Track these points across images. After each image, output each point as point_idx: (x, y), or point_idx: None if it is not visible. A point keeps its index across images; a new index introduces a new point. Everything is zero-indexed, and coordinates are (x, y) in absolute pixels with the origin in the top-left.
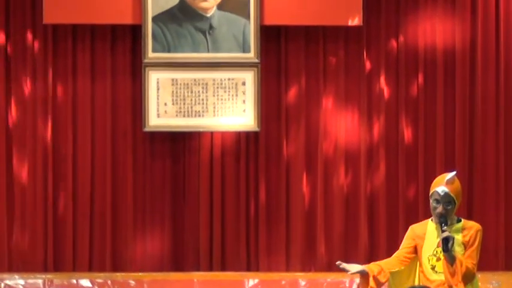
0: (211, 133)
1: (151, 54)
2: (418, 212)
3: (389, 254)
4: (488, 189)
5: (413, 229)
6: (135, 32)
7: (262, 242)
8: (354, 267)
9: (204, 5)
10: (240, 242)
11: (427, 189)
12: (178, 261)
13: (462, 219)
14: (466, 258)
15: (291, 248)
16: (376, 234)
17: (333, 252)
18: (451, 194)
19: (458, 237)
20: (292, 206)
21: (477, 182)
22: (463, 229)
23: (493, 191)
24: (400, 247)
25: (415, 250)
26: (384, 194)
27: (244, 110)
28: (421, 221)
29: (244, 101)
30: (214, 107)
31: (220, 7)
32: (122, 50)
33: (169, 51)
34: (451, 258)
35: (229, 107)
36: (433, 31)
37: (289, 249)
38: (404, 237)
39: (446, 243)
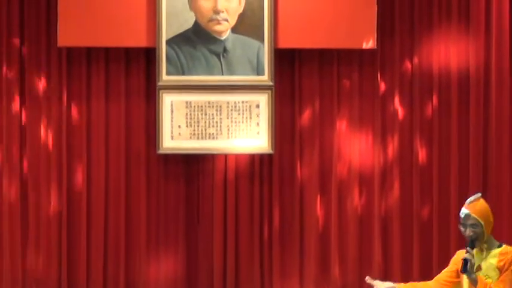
0: (225, 156)
1: (165, 77)
2: (432, 232)
3: (403, 275)
4: (502, 210)
5: (458, 253)
6: (149, 54)
7: (276, 264)
8: (383, 285)
9: (218, 28)
10: (253, 264)
11: (441, 210)
12: (191, 283)
13: (504, 245)
14: (497, 283)
15: (305, 270)
16: (390, 256)
17: (347, 274)
18: (473, 215)
19: (493, 262)
20: (306, 228)
21: (491, 203)
22: (500, 254)
23: (508, 212)
24: (443, 270)
25: (458, 275)
26: (398, 214)
27: (258, 133)
28: (435, 242)
29: (258, 124)
30: (228, 130)
31: (234, 30)
32: (136, 72)
33: (183, 74)
34: (472, 281)
35: (243, 130)
36: (447, 52)
37: (303, 271)
38: (450, 261)
39: (465, 265)
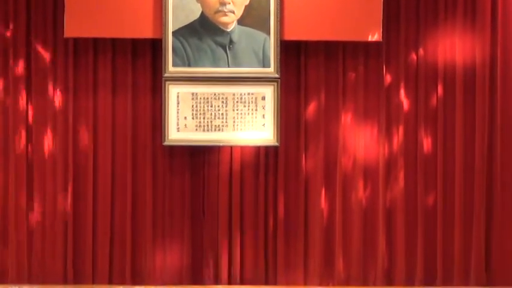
0: (231, 147)
1: (171, 69)
2: (436, 223)
3: (407, 268)
4: (507, 200)
5: None
6: (155, 46)
7: (281, 256)
8: None
9: (224, 19)
10: (258, 256)
11: (445, 200)
12: (197, 275)
13: None
14: None
15: (309, 262)
16: (394, 248)
17: (351, 267)
18: None
19: None
20: (311, 220)
21: (496, 194)
22: None
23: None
24: None
25: None
26: (403, 206)
27: (263, 125)
28: (439, 232)
29: (263, 116)
30: (233, 122)
31: (240, 22)
32: (142, 64)
33: (189, 65)
34: None
35: (249, 122)
36: (453, 45)
37: (307, 263)
38: None
39: None
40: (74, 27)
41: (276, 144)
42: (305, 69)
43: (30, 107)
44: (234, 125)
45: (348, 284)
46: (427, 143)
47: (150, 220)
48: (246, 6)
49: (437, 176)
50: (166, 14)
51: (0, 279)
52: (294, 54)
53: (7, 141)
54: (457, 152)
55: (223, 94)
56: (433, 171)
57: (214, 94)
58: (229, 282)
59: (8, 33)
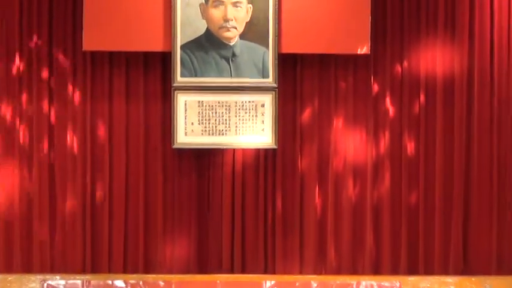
0: (233, 150)
1: (179, 79)
2: (418, 219)
3: (393, 258)
4: (483, 198)
5: None
6: (165, 58)
7: (279, 247)
8: None
9: (227, 34)
10: (258, 247)
11: (427, 198)
12: (202, 264)
13: None
14: None
15: (304, 252)
16: (381, 240)
17: (341, 257)
18: None
19: None
20: (305, 215)
21: (473, 192)
22: None
23: (487, 200)
24: None
25: None
26: (388, 203)
27: (263, 129)
28: (421, 227)
29: (263, 121)
30: (236, 127)
31: (242, 36)
32: (153, 74)
33: (196, 76)
34: None
35: (250, 127)
36: (434, 57)
37: (302, 254)
38: None
39: None
40: (92, 41)
41: (274, 147)
42: (301, 79)
43: (52, 112)
44: (236, 130)
45: (339, 273)
46: (410, 147)
47: (160, 215)
48: (247, 23)
49: (419, 176)
50: (175, 29)
51: (26, 269)
52: (290, 66)
53: (32, 142)
54: (438, 155)
55: (226, 102)
56: (416, 172)
57: (218, 102)
58: (232, 271)
59: (32, 45)
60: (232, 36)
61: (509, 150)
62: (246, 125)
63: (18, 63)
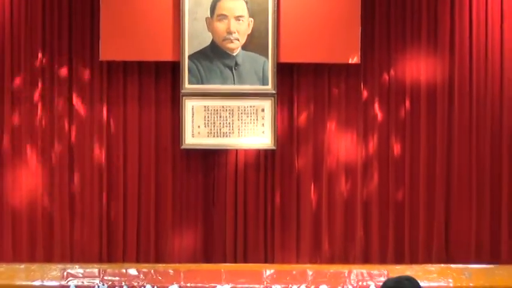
0: (236, 150)
1: (187, 86)
2: (404, 211)
3: (381, 248)
4: (462, 194)
5: None
6: (174, 67)
7: (277, 239)
8: None
9: (230, 46)
10: (259, 239)
11: (412, 195)
12: (208, 255)
13: None
14: None
15: (301, 244)
16: (370, 232)
17: (334, 247)
18: None
19: None
20: (302, 209)
21: (453, 189)
22: None
23: (467, 196)
24: None
25: None
26: (377, 198)
27: (263, 132)
28: (406, 220)
29: (263, 125)
30: (238, 129)
31: (244, 47)
32: (163, 82)
33: (202, 83)
34: None
35: (251, 129)
36: (418, 67)
37: (299, 245)
38: None
39: None
40: (108, 52)
41: (273, 147)
42: (297, 86)
43: (71, 114)
44: (238, 132)
45: (332, 262)
46: (396, 148)
47: (170, 210)
48: (248, 35)
49: (405, 174)
50: (183, 41)
51: (48, 259)
52: (288, 74)
53: (52, 141)
54: (421, 155)
55: (230, 107)
56: (402, 171)
57: (223, 107)
58: (235, 261)
59: (54, 55)
60: (235, 47)
61: (487, 151)
62: (248, 127)
63: (41, 73)
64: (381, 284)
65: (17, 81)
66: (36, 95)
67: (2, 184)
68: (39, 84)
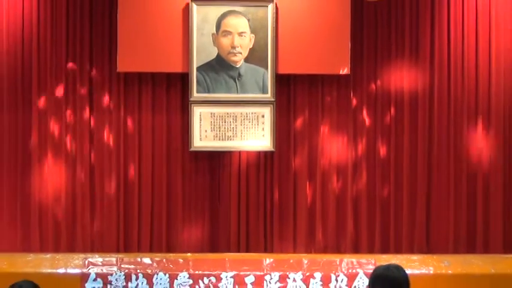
0: (239, 152)
1: (195, 95)
2: (389, 207)
3: (369, 240)
4: (441, 192)
5: None
6: (183, 78)
7: (276, 231)
8: None
9: (234, 58)
10: (259, 231)
11: (396, 192)
12: (214, 245)
13: None
14: None
15: (297, 235)
16: (359, 225)
17: (327, 239)
18: None
19: None
20: (298, 204)
21: (434, 187)
22: None
23: (445, 193)
24: None
25: None
26: (365, 195)
27: (263, 135)
28: (392, 215)
29: (263, 129)
30: (241, 133)
31: (246, 60)
32: (174, 91)
33: (209, 92)
34: None
35: (252, 133)
36: (402, 77)
37: (295, 236)
38: None
39: None
40: (124, 64)
41: (273, 149)
42: (294, 94)
43: (92, 122)
44: (241, 136)
45: (325, 252)
46: (382, 150)
47: (180, 205)
48: (250, 49)
49: (390, 174)
50: (191, 54)
51: (71, 249)
52: (285, 84)
53: (75, 143)
54: (405, 157)
55: (233, 113)
56: (387, 171)
57: (227, 113)
58: (238, 251)
59: (76, 67)
60: (238, 60)
61: (463, 153)
62: (249, 132)
63: (65, 82)
64: (370, 271)
65: (44, 88)
66: (61, 102)
67: (30, 183)
68: (64, 92)
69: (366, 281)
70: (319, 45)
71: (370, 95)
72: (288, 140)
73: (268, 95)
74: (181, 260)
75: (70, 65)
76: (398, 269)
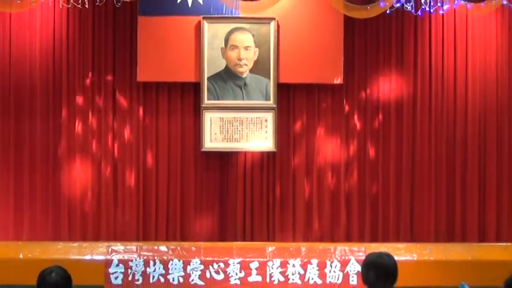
0: (245, 152)
1: (206, 101)
2: (378, 201)
3: (359, 229)
4: (424, 188)
5: None
6: (196, 87)
7: (277, 222)
8: None
9: (240, 70)
10: (262, 222)
11: (384, 188)
12: (222, 235)
13: None
14: None
15: (296, 226)
16: (351, 217)
17: (323, 229)
18: None
19: None
20: (297, 198)
21: (417, 183)
22: None
23: (427, 189)
24: None
25: None
26: (356, 190)
27: (266, 138)
28: (380, 209)
29: (266, 132)
30: (246, 136)
31: (251, 71)
32: (187, 98)
33: (218, 99)
34: None
35: (256, 136)
36: (389, 86)
37: (294, 227)
38: None
39: None
40: (144, 74)
41: (274, 150)
42: (293, 101)
43: (115, 125)
44: (246, 138)
45: (321, 240)
46: (371, 151)
47: (193, 199)
48: (254, 61)
49: (378, 171)
50: (203, 66)
51: (96, 238)
52: (285, 92)
53: (100, 142)
54: (391, 156)
55: (240, 118)
56: (376, 169)
57: (234, 118)
58: (244, 239)
59: (101, 77)
60: (244, 71)
61: (443, 153)
62: (254, 134)
63: (92, 91)
64: (361, 258)
65: (72, 96)
66: (87, 108)
67: (60, 180)
68: (90, 100)
69: (357, 267)
70: (315, 58)
71: (361, 102)
72: (288, 141)
73: (271, 102)
74: (193, 248)
75: (95, 76)
76: (389, 256)
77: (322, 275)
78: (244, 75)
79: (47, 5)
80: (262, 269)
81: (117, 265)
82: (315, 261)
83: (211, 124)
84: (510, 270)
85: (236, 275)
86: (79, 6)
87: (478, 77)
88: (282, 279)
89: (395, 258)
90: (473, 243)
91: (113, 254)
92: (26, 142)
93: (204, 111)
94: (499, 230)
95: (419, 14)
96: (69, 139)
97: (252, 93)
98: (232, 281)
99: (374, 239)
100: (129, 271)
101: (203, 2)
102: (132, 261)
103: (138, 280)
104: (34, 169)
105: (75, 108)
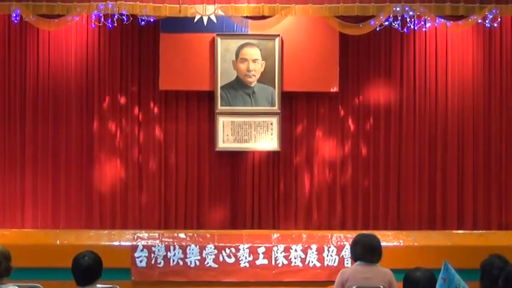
0: (253, 152)
1: (219, 107)
2: (369, 194)
3: (353, 219)
4: (409, 181)
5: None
6: (210, 95)
7: (281, 212)
8: None
9: (249, 80)
10: (268, 212)
11: (374, 183)
12: (234, 223)
13: None
14: None
15: (298, 216)
16: (346, 208)
17: (322, 219)
18: None
19: None
20: (298, 192)
21: (403, 177)
22: None
23: (411, 182)
24: None
25: None
26: (350, 185)
27: (271, 139)
28: (371, 201)
29: (271, 134)
30: (255, 137)
31: (258, 81)
32: (203, 104)
33: (230, 105)
34: None
35: (263, 137)
36: (378, 93)
37: (296, 216)
38: None
39: None
40: (165, 84)
41: (279, 150)
42: (295, 107)
43: (140, 129)
44: (255, 139)
45: (319, 229)
46: (364, 150)
47: (207, 192)
48: (262, 72)
49: (369, 168)
50: (216, 76)
51: (123, 226)
52: (288, 99)
53: (126, 144)
54: (381, 156)
55: (248, 122)
56: (367, 166)
57: (244, 122)
58: (252, 228)
59: (128, 87)
60: (253, 81)
61: (425, 152)
62: (261, 136)
63: (119, 98)
64: (354, 238)
65: (102, 102)
66: (116, 114)
67: (93, 175)
68: (119, 106)
69: None
70: (314, 69)
71: (354, 108)
72: (290, 142)
73: (276, 108)
74: (208, 235)
75: (123, 84)
76: (374, 235)
77: (320, 259)
78: (252, 85)
79: (81, 24)
80: (268, 254)
81: (142, 250)
82: (314, 247)
83: (223, 127)
84: (485, 254)
85: (245, 258)
86: (109, 25)
87: (457, 85)
88: (285, 262)
89: (384, 243)
90: (453, 230)
91: (138, 240)
92: (63, 144)
93: (217, 116)
94: (475, 219)
95: (405, 31)
96: (100, 141)
97: (259, 100)
98: (242, 264)
99: (366, 227)
100: (152, 255)
101: (217, 21)
102: (154, 246)
103: (160, 263)
104: (69, 167)
105: (105, 114)
